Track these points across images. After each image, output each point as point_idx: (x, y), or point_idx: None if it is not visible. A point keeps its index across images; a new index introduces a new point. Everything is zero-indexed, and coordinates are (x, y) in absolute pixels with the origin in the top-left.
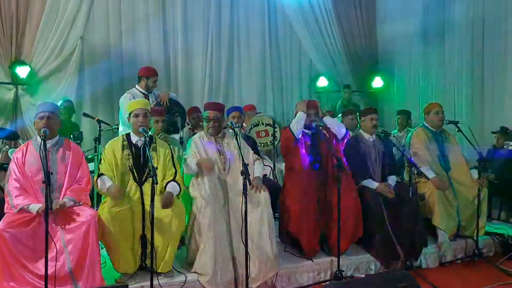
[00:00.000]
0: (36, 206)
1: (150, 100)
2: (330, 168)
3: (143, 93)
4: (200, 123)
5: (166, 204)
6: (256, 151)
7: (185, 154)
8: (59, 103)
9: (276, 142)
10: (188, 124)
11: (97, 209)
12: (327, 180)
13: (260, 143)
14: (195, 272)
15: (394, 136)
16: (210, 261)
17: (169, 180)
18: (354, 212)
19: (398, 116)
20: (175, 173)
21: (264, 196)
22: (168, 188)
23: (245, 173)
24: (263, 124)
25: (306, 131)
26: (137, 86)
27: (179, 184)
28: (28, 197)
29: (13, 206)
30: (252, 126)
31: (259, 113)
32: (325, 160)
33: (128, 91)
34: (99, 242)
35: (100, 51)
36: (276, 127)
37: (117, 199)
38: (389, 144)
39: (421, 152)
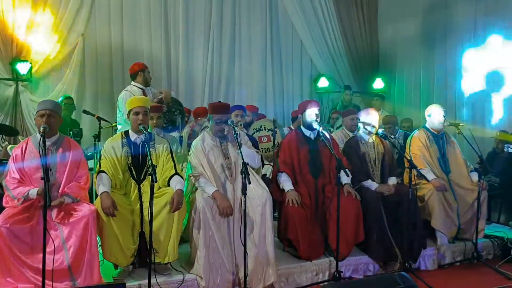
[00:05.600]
0: (35, 190)
1: (148, 95)
2: (330, 172)
3: (141, 89)
4: (200, 122)
5: (179, 204)
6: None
7: (189, 168)
8: (59, 100)
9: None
10: (190, 124)
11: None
12: (327, 184)
13: (262, 148)
14: (194, 274)
15: (394, 137)
16: (208, 267)
17: (171, 174)
18: (354, 216)
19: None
20: (174, 166)
21: (266, 197)
22: (174, 184)
23: (244, 172)
24: (265, 130)
25: (308, 134)
26: (133, 83)
27: (181, 177)
28: (27, 186)
29: (14, 197)
30: (255, 131)
31: (260, 114)
32: (326, 165)
33: (125, 89)
34: (97, 240)
35: (101, 48)
36: (276, 131)
37: (107, 213)
38: (388, 145)
39: (421, 154)
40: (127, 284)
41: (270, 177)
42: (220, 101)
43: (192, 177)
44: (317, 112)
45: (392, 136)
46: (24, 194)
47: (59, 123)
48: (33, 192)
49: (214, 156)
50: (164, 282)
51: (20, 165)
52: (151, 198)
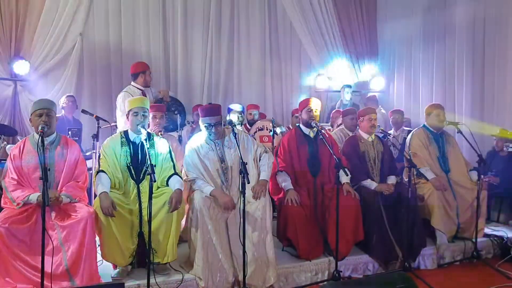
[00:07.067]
0: (35, 196)
1: (148, 96)
2: (329, 171)
3: (140, 89)
4: None
5: (178, 203)
6: None
7: (187, 170)
8: (61, 99)
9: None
10: (189, 123)
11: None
12: (326, 183)
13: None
14: (193, 275)
15: (393, 136)
16: (207, 267)
17: (169, 174)
18: (353, 215)
19: (392, 116)
20: (174, 166)
21: (265, 200)
22: (173, 184)
23: (243, 171)
24: (267, 130)
25: (307, 132)
26: (133, 83)
27: (180, 177)
28: (25, 189)
29: (13, 200)
30: (257, 130)
31: (261, 113)
32: (325, 164)
33: (124, 90)
34: (96, 240)
35: (100, 48)
36: (276, 131)
37: (106, 213)
38: (388, 144)
39: (421, 153)
40: (126, 284)
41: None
42: (210, 103)
43: (188, 182)
44: (317, 109)
45: (391, 135)
46: (24, 199)
47: (55, 121)
48: (33, 197)
49: (209, 160)
50: (163, 282)
51: (18, 165)
52: (150, 198)
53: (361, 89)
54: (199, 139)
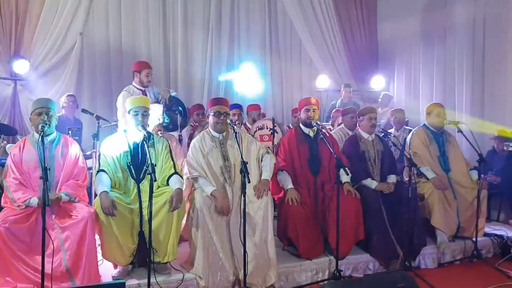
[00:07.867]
0: (35, 200)
1: (148, 95)
2: (329, 170)
3: (140, 89)
4: (202, 123)
5: (178, 203)
6: None
7: (189, 168)
8: (61, 99)
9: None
10: (191, 122)
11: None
12: (326, 182)
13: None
14: (194, 274)
15: (394, 136)
16: (207, 266)
17: (170, 173)
18: (354, 214)
19: (394, 116)
20: (174, 165)
21: (267, 199)
22: (173, 183)
23: (244, 171)
24: (267, 129)
25: (307, 132)
26: (133, 83)
27: (181, 176)
28: (27, 191)
29: (14, 201)
30: (257, 129)
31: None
32: (325, 163)
33: (125, 89)
34: (96, 240)
35: (100, 48)
36: (276, 130)
37: (106, 212)
38: (388, 143)
39: (421, 152)
40: (126, 284)
41: None
42: None
43: (191, 179)
44: (315, 109)
45: (392, 135)
46: (25, 201)
47: (55, 121)
48: (34, 201)
49: (213, 157)
50: (164, 282)
51: (18, 164)
52: (150, 198)
53: (361, 89)
54: (203, 136)
